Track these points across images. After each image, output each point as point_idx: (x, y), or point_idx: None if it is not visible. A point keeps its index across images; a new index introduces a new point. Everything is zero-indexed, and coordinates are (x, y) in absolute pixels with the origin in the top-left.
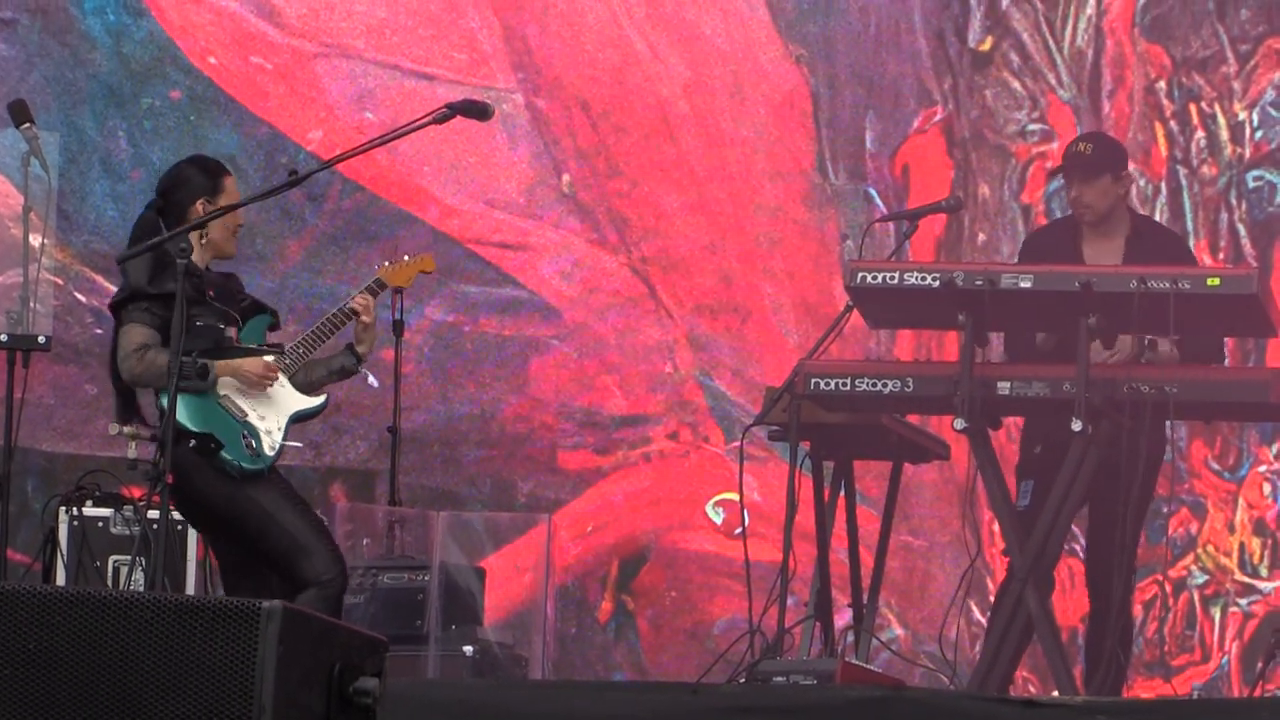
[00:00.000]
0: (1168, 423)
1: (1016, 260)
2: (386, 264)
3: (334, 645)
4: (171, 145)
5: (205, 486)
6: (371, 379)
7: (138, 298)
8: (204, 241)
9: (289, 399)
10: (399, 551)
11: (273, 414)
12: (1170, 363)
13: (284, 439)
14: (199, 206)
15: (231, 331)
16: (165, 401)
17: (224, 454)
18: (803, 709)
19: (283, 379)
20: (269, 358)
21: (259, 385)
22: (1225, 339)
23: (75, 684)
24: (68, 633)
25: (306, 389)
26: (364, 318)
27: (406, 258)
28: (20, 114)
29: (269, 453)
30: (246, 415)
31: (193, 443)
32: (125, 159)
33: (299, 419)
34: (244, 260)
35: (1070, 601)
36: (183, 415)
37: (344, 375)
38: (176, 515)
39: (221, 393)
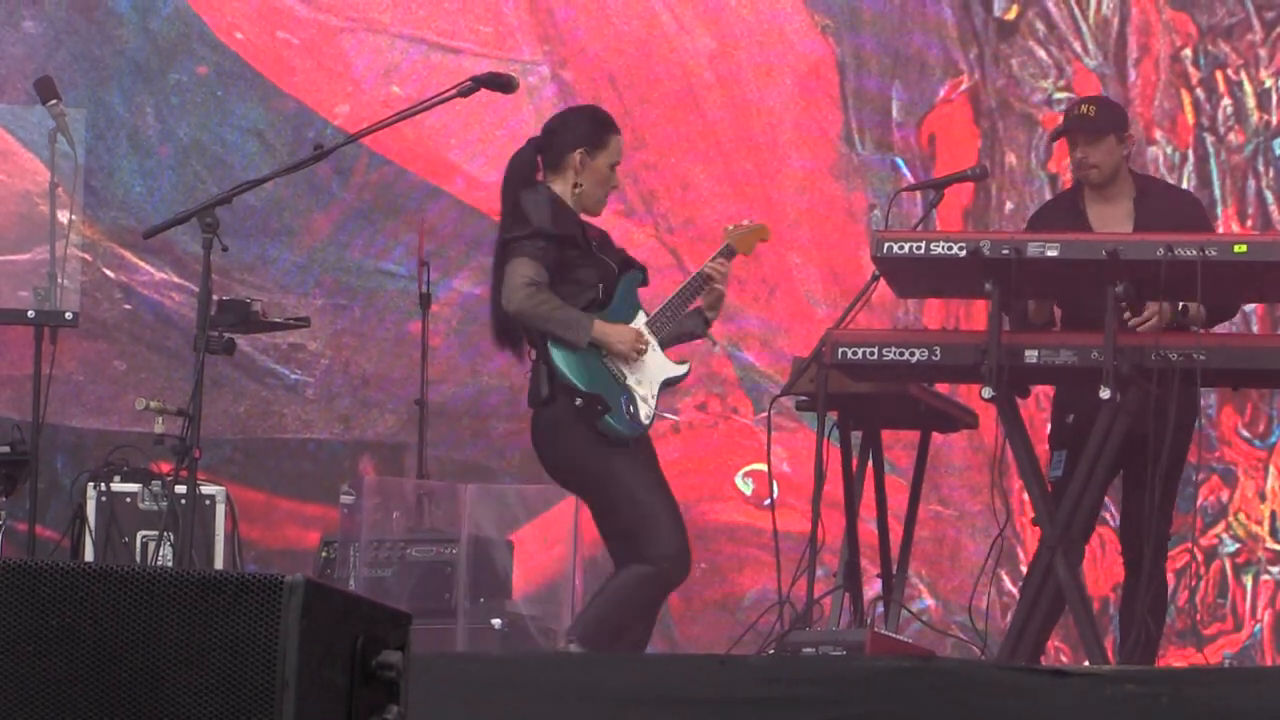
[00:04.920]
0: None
1: None
2: (730, 228)
3: (356, 619)
4: (198, 121)
5: (576, 447)
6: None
7: (537, 236)
8: (577, 192)
9: (659, 365)
10: (428, 524)
11: (647, 380)
12: (1201, 321)
13: (655, 406)
14: (576, 155)
15: (600, 287)
16: (552, 352)
17: (608, 418)
18: (832, 680)
19: (654, 344)
20: (640, 325)
21: (628, 357)
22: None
23: (98, 660)
24: (90, 609)
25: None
26: (718, 284)
27: (746, 222)
28: (47, 91)
29: (644, 420)
30: (626, 379)
31: (579, 401)
32: (152, 135)
33: (667, 385)
34: (271, 234)
35: (1101, 571)
36: (572, 372)
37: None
38: (205, 490)
39: (603, 353)
